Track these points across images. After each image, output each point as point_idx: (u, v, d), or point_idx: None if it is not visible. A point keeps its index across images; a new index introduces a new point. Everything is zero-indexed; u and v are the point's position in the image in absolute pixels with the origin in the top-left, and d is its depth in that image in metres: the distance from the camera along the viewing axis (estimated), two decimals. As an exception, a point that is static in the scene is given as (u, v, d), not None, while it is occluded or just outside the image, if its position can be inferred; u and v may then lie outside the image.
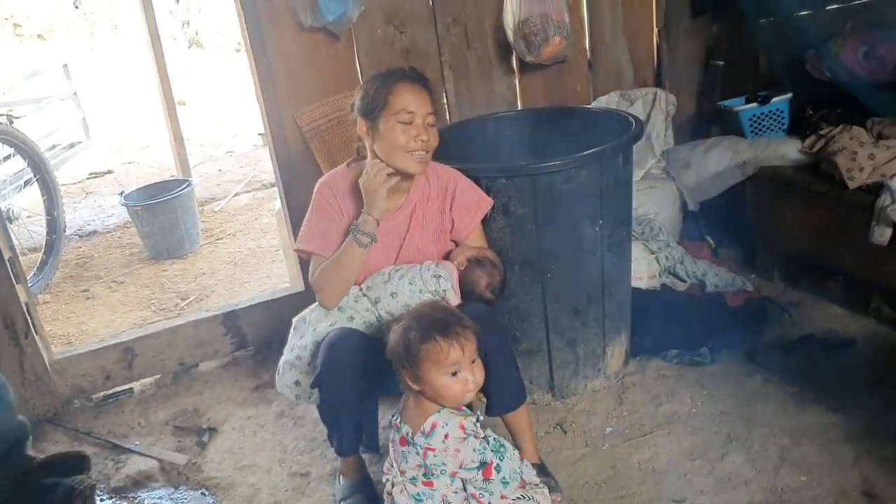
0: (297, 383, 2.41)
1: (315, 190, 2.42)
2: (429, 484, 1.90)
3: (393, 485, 1.93)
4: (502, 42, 3.40)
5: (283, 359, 2.44)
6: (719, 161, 3.37)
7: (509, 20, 3.28)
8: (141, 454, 2.81)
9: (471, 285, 2.32)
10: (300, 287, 3.36)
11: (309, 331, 2.35)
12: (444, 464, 1.87)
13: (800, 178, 3.14)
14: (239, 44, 12.95)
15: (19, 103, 5.19)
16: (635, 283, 3.07)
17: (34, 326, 3.02)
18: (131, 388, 3.24)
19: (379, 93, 2.25)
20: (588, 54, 3.65)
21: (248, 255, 4.71)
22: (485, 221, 2.50)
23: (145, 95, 8.71)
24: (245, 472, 2.67)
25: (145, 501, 2.59)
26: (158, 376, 3.28)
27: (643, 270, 3.15)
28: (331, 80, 3.17)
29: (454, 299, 2.27)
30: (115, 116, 8.24)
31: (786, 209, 3.21)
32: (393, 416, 2.00)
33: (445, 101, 3.42)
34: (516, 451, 1.99)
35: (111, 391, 3.21)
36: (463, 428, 1.87)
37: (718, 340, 2.94)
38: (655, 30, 3.74)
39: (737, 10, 3.56)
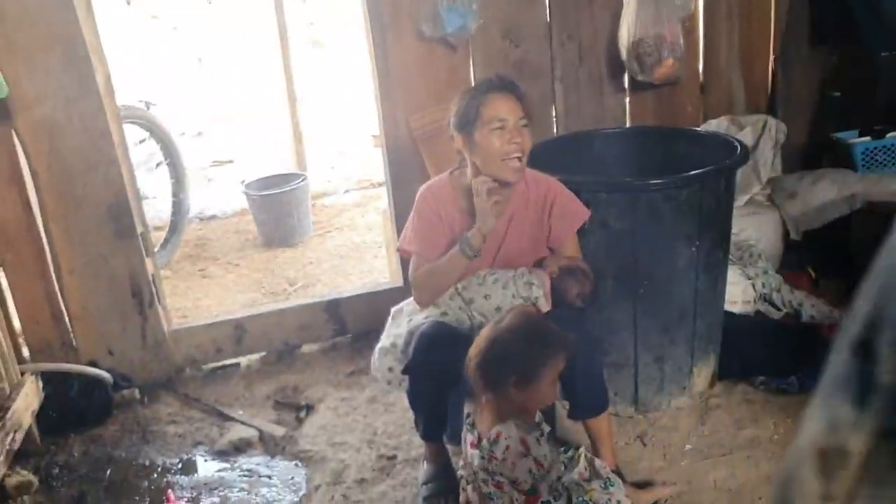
0: (390, 369, 2.56)
1: (418, 195, 2.56)
2: (499, 487, 1.98)
3: (468, 481, 2.04)
4: (615, 60, 3.48)
5: (378, 345, 2.60)
6: (826, 193, 3.35)
7: (624, 39, 3.35)
8: (243, 423, 3.03)
9: (562, 293, 2.42)
10: (399, 283, 3.53)
11: (405, 321, 2.50)
12: (501, 474, 1.95)
13: (909, 215, 3.09)
14: (360, 45, 13.44)
15: (158, 90, 5.58)
16: (729, 307, 3.09)
17: (158, 297, 3.29)
18: (238, 363, 3.48)
19: (471, 106, 2.35)
20: (701, 77, 3.69)
21: (353, 249, 4.92)
22: (581, 233, 2.58)
23: (269, 91, 9.15)
24: (336, 449, 2.84)
25: (244, 466, 2.80)
26: (264, 353, 3.51)
27: (738, 295, 3.16)
28: (444, 89, 3.31)
29: (545, 306, 2.37)
30: (238, 109, 8.66)
31: (892, 246, 3.16)
32: (467, 417, 2.10)
33: (554, 114, 3.52)
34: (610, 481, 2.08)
35: (220, 363, 3.45)
36: (524, 443, 1.93)
37: (809, 371, 2.92)
38: (772, 56, 3.74)
39: (857, 41, 3.53)
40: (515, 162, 2.34)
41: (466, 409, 2.25)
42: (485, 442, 1.96)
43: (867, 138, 3.37)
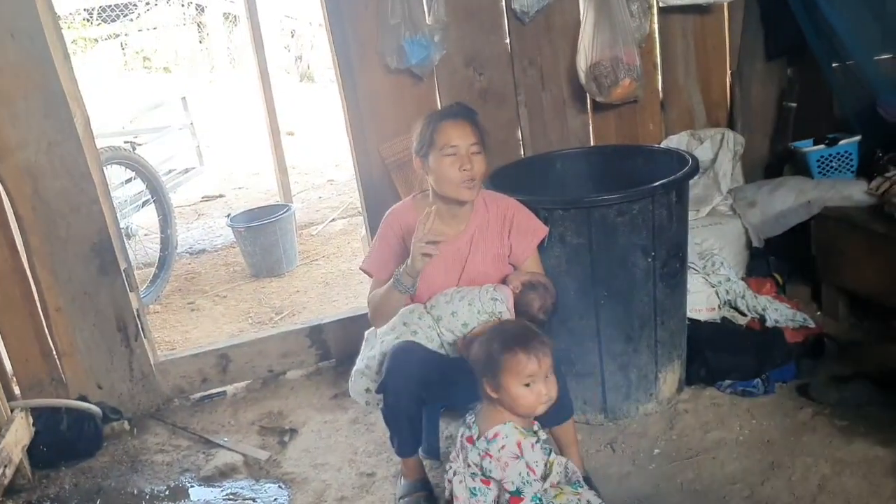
0: (367, 390, 2.67)
1: (384, 217, 2.71)
2: (486, 482, 2.07)
3: (455, 473, 2.13)
4: (575, 83, 3.62)
5: (355, 368, 2.71)
6: (784, 200, 3.47)
7: (581, 63, 3.49)
8: (228, 449, 3.12)
9: (525, 307, 2.53)
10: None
11: (377, 343, 2.61)
12: (492, 471, 2.04)
13: (864, 218, 3.21)
14: (346, 79, 13.64)
15: (142, 132, 5.74)
16: (695, 314, 3.20)
17: (143, 331, 3.40)
18: (225, 391, 3.58)
19: (425, 132, 2.52)
20: (661, 95, 3.83)
21: (339, 276, 5.03)
22: (542, 249, 2.70)
23: (256, 126, 9.33)
24: (318, 470, 2.94)
25: (229, 490, 2.89)
26: (249, 381, 3.61)
27: (702, 303, 3.27)
28: (413, 117, 3.38)
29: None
30: (228, 145, 8.83)
31: (849, 249, 3.28)
32: (468, 415, 2.18)
33: (521, 137, 3.65)
34: (587, 497, 2.15)
35: (207, 392, 3.55)
36: (519, 446, 2.02)
37: (773, 373, 3.03)
38: (728, 72, 3.88)
39: (810, 54, 3.66)
40: (466, 185, 2.47)
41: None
42: (482, 439, 2.06)
43: (822, 146, 3.48)
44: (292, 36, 13.86)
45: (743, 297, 3.37)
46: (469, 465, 2.08)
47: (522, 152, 3.65)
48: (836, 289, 3.44)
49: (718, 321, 3.32)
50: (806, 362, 3.10)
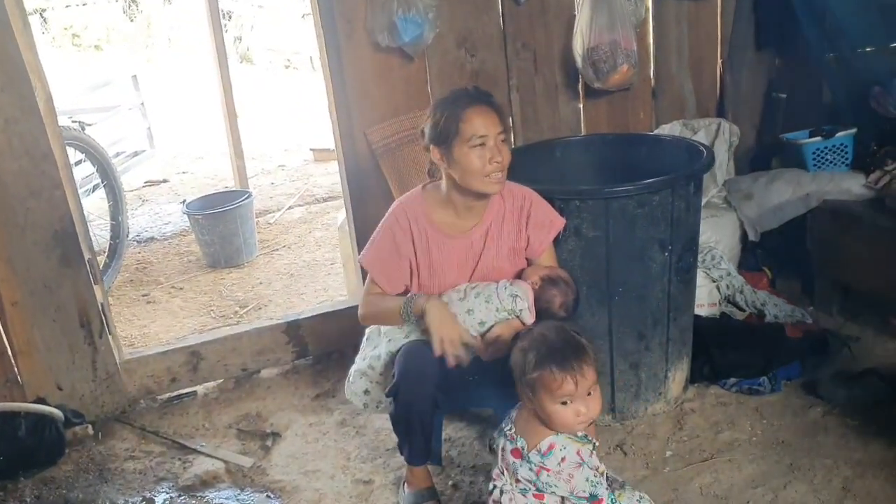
0: (366, 392, 2.48)
1: (390, 210, 2.47)
2: (539, 497, 1.90)
3: (502, 492, 1.94)
4: (569, 68, 3.48)
5: (354, 367, 2.51)
6: (781, 193, 3.40)
7: (578, 47, 3.34)
8: (207, 455, 2.88)
9: (545, 304, 2.37)
10: (359, 300, 3.42)
11: (383, 341, 2.42)
12: (556, 485, 1.87)
13: (864, 212, 3.16)
14: (289, 60, 13.26)
15: (90, 111, 5.35)
16: (697, 309, 3.09)
17: (108, 326, 3.12)
18: (195, 391, 3.32)
19: (450, 121, 2.27)
20: (652, 83, 3.71)
21: (304, 267, 4.79)
22: (555, 242, 2.54)
23: (201, 107, 8.93)
24: (309, 478, 2.73)
25: (213, 501, 2.66)
26: (221, 381, 3.36)
27: (704, 298, 3.18)
28: (402, 99, 3.26)
29: (529, 318, 2.32)
30: (171, 127, 8.42)
31: (848, 243, 3.23)
32: (505, 426, 1.99)
33: (512, 123, 3.48)
34: (638, 495, 2.01)
35: (176, 393, 3.29)
36: (579, 454, 1.86)
37: (780, 371, 2.95)
38: (720, 61, 3.79)
39: (800, 43, 3.61)
40: (497, 178, 2.28)
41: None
42: (535, 452, 1.88)
43: (818, 139, 3.42)
44: (229, 18, 13.41)
45: (741, 291, 3.30)
46: (519, 481, 1.90)
47: (513, 139, 3.49)
48: (831, 283, 3.39)
49: (718, 317, 3.23)
50: (810, 359, 3.03)
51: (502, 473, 1.95)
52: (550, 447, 1.86)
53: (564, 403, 1.84)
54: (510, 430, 1.96)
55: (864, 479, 2.44)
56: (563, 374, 1.82)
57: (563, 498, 1.88)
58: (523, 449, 1.90)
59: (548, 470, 1.86)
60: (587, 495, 1.86)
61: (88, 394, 3.10)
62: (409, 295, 2.34)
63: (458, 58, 3.33)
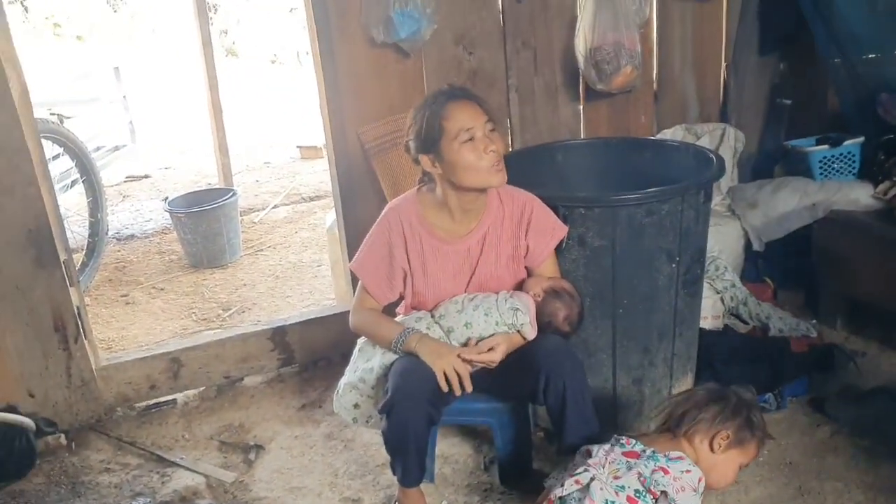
0: (356, 406, 2.35)
1: (383, 213, 2.36)
2: (633, 501, 1.85)
3: (593, 478, 1.88)
4: (570, 69, 3.36)
5: (344, 379, 2.37)
6: (787, 202, 3.29)
7: (581, 47, 3.22)
8: (187, 468, 2.74)
9: (548, 318, 2.25)
10: (348, 305, 3.29)
11: (377, 354, 2.29)
12: (667, 487, 1.84)
13: (873, 223, 3.06)
14: (275, 55, 13.10)
15: (69, 104, 5.17)
16: (700, 322, 2.98)
17: (84, 331, 2.96)
18: (175, 399, 3.17)
19: (432, 123, 2.15)
20: (655, 86, 3.60)
21: (290, 268, 4.64)
22: (558, 251, 2.42)
23: (184, 101, 8.74)
24: (295, 495, 2.59)
25: (193, 518, 2.52)
26: (203, 388, 3.22)
27: (707, 310, 3.06)
28: (397, 98, 3.12)
29: (531, 333, 2.20)
30: (153, 120, 8.24)
31: (856, 254, 3.12)
32: (622, 438, 1.98)
33: (509, 125, 3.37)
34: None
35: (154, 401, 3.14)
36: (700, 481, 1.89)
37: (786, 388, 2.84)
38: (724, 64, 3.68)
39: (805, 48, 3.51)
40: (496, 168, 2.16)
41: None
42: (662, 456, 1.91)
43: (825, 146, 3.32)
44: (215, 11, 13.23)
45: (745, 304, 3.20)
46: (618, 478, 1.86)
47: (511, 141, 3.37)
48: (836, 296, 3.28)
49: (721, 330, 3.12)
50: (817, 375, 2.93)
51: (603, 467, 1.90)
52: (680, 458, 1.90)
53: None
54: (637, 446, 1.95)
55: (876, 505, 2.34)
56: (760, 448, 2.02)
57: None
58: (646, 451, 1.91)
59: (668, 472, 1.86)
60: None
61: (62, 401, 2.95)
62: (401, 332, 2.22)
63: (456, 55, 3.20)
